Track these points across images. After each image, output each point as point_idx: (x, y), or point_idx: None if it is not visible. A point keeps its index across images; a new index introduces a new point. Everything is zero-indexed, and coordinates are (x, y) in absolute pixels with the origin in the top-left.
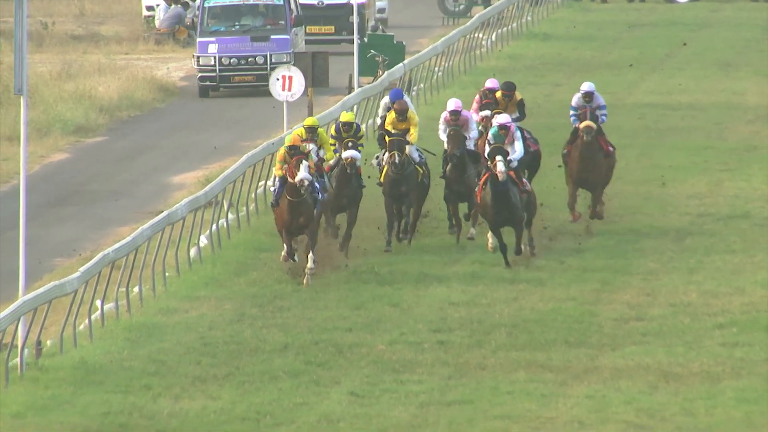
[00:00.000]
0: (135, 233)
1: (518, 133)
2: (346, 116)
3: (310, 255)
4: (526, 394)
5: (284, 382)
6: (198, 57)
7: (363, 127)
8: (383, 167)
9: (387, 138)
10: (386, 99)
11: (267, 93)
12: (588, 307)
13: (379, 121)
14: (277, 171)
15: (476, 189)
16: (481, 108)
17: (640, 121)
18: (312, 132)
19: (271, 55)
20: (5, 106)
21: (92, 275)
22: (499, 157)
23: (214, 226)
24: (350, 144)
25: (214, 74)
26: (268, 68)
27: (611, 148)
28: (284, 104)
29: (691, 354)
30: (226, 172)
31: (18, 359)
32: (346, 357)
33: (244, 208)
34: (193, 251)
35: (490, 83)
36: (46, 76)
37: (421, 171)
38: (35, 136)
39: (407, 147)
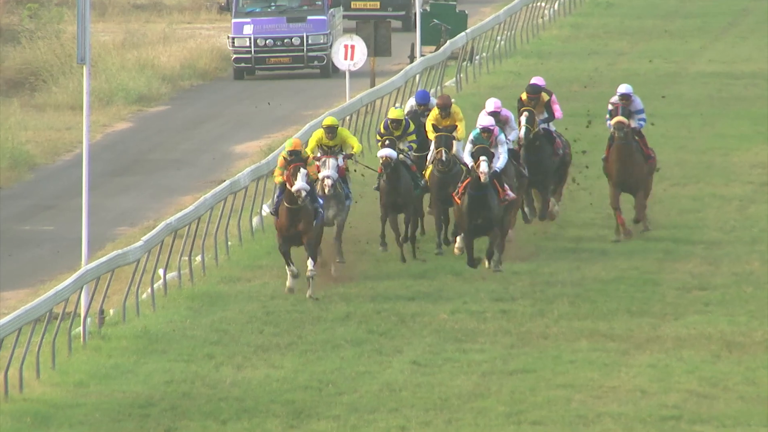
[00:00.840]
0: (197, 202)
1: (502, 137)
2: (394, 113)
3: (309, 261)
4: (588, 363)
5: (347, 350)
6: (233, 38)
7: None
8: (427, 166)
9: (433, 134)
10: (412, 101)
11: (303, 75)
12: (650, 276)
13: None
14: (276, 177)
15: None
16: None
17: (703, 89)
18: (332, 132)
19: (307, 37)
20: (68, 75)
21: (155, 244)
22: (483, 158)
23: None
24: (387, 142)
25: (249, 56)
26: (305, 50)
27: (652, 154)
28: (347, 73)
29: (754, 323)
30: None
31: (81, 328)
32: (408, 326)
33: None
34: (255, 220)
35: (536, 80)
36: (108, 45)
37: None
38: (98, 106)
39: (454, 144)
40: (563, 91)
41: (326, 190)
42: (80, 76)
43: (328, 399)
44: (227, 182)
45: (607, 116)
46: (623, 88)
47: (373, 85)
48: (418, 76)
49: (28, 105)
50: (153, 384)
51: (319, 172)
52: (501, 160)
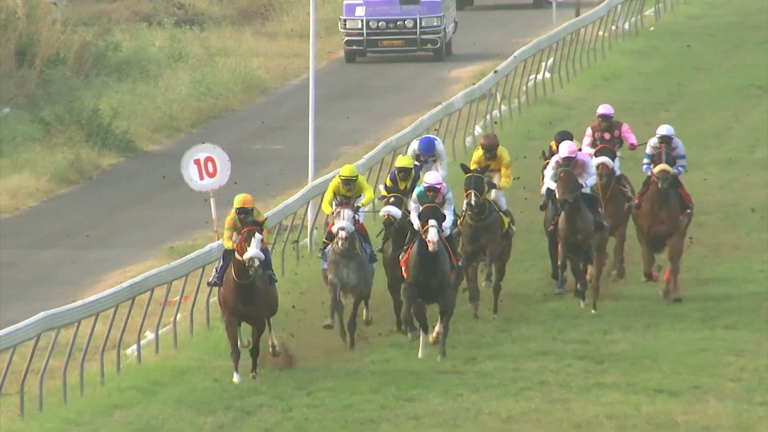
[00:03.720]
0: (415, 123)
1: (449, 195)
2: (402, 161)
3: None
4: None
5: (547, 259)
6: (345, 20)
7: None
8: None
9: (465, 174)
10: (414, 146)
11: (416, 59)
12: None
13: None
14: (225, 242)
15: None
16: (597, 153)
17: None
18: (349, 184)
19: (420, 19)
20: (296, 6)
21: (375, 162)
22: (432, 222)
23: (487, 117)
24: (392, 200)
25: (361, 38)
26: (418, 32)
27: (691, 204)
28: (553, 4)
29: None
30: (500, 66)
31: (308, 239)
32: (609, 239)
33: (516, 100)
34: (468, 140)
35: (604, 109)
36: None
37: (507, 219)
38: (324, 34)
39: (492, 190)
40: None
41: (339, 244)
42: (308, 6)
43: (535, 306)
44: (442, 105)
45: (646, 160)
46: (663, 129)
47: (577, 14)
48: (620, 6)
49: (260, 33)
50: (379, 289)
51: (331, 225)
52: (448, 220)
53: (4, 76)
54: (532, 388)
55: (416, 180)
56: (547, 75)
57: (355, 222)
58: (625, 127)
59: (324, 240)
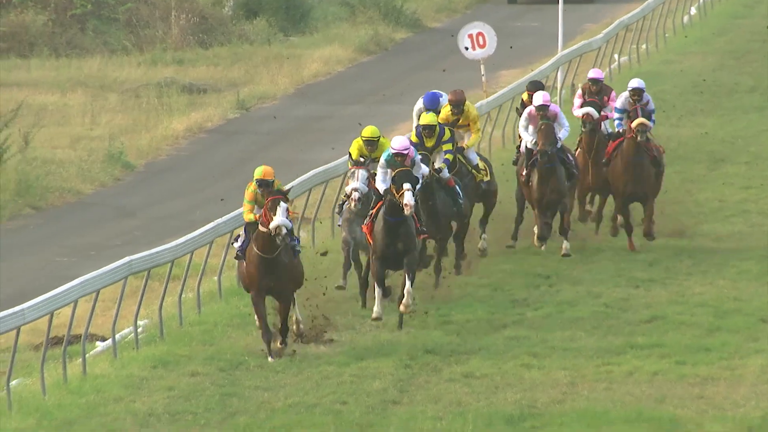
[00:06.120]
0: (643, 5)
1: (418, 158)
2: (426, 118)
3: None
4: None
5: (753, 114)
6: None
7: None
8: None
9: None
10: (419, 104)
11: (571, 0)
12: None
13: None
14: (246, 215)
15: (371, 221)
16: (584, 105)
17: None
18: (372, 145)
19: None
20: None
21: (611, 36)
22: (407, 186)
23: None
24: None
25: None
26: None
27: (660, 152)
28: None
29: None
30: None
31: (557, 98)
32: None
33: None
34: (685, 18)
35: (594, 73)
36: None
37: (480, 175)
38: None
39: (466, 149)
40: None
41: (353, 205)
42: None
43: (739, 150)
44: (617, 22)
45: (617, 115)
46: (635, 82)
47: None
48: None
49: None
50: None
51: (346, 185)
52: (417, 186)
53: None
54: (737, 215)
55: (441, 137)
56: None
57: (370, 182)
58: (613, 95)
59: (342, 197)
